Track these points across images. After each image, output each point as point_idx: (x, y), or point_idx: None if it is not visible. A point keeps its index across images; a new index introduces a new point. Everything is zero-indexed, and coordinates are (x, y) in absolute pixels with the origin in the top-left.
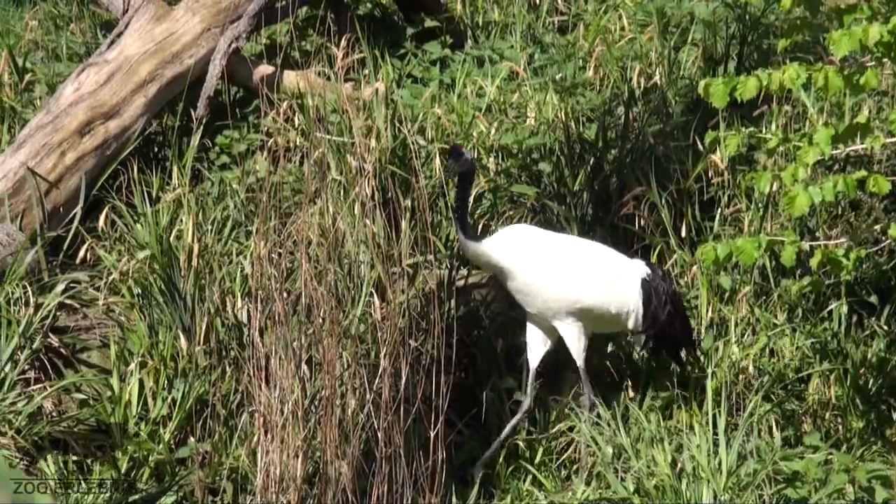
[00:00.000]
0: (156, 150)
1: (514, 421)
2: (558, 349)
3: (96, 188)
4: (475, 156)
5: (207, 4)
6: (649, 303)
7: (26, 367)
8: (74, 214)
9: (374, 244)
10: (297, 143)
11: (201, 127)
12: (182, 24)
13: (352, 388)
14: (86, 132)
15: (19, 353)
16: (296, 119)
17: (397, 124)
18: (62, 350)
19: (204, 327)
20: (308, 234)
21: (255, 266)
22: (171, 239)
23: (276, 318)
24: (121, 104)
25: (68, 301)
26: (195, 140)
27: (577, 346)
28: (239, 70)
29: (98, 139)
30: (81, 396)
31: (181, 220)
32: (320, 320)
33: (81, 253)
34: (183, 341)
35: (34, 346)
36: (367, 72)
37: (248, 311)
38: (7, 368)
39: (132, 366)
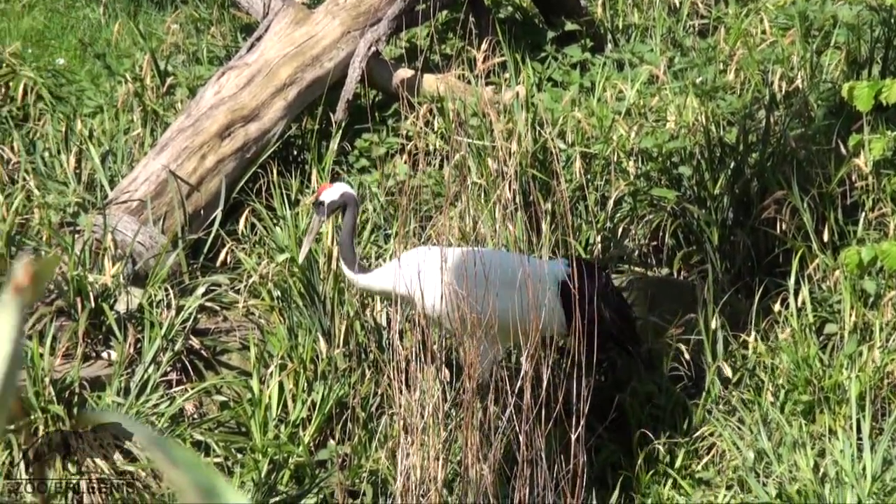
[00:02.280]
0: (295, 153)
1: None
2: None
3: (236, 191)
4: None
5: (347, 7)
6: (570, 306)
7: (168, 369)
8: (214, 217)
9: (514, 247)
10: (437, 146)
11: (340, 130)
12: (322, 27)
13: (492, 390)
14: (226, 135)
15: (161, 354)
16: (435, 122)
17: (538, 128)
18: (203, 352)
19: (343, 330)
20: (448, 237)
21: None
22: None
23: (416, 320)
24: (260, 107)
25: (209, 304)
26: (334, 143)
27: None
28: (378, 73)
29: (238, 142)
30: (222, 398)
31: None
32: (460, 322)
33: (221, 256)
34: (322, 344)
35: (176, 349)
36: (507, 75)
37: (388, 314)
38: (150, 370)
39: (272, 368)
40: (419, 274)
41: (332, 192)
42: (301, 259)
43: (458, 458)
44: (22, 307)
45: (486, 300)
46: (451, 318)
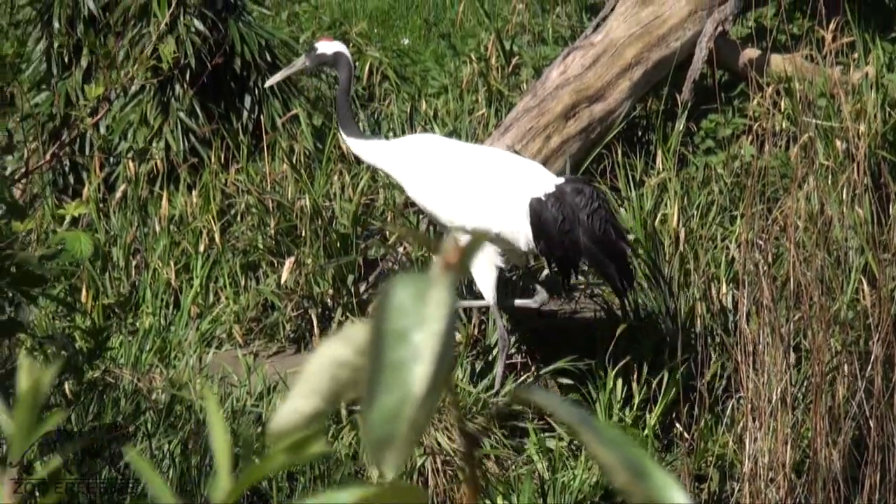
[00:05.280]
0: (640, 133)
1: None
2: None
3: (580, 172)
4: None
5: None
6: (539, 225)
7: (512, 351)
8: None
9: (863, 230)
10: (784, 127)
11: (686, 110)
12: (668, 7)
13: (841, 375)
14: (570, 116)
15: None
16: (782, 103)
17: (888, 108)
18: (545, 335)
19: (688, 311)
20: (795, 220)
21: (741, 251)
22: (656, 223)
23: (763, 303)
24: (605, 88)
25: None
26: (680, 124)
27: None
28: (725, 53)
29: (583, 122)
30: (566, 381)
31: (665, 205)
32: (808, 306)
33: None
34: (666, 325)
35: (522, 330)
36: (856, 55)
37: (734, 296)
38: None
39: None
40: (407, 159)
41: (327, 45)
42: (268, 85)
43: (807, 442)
44: (452, 285)
45: (462, 206)
46: (431, 213)
